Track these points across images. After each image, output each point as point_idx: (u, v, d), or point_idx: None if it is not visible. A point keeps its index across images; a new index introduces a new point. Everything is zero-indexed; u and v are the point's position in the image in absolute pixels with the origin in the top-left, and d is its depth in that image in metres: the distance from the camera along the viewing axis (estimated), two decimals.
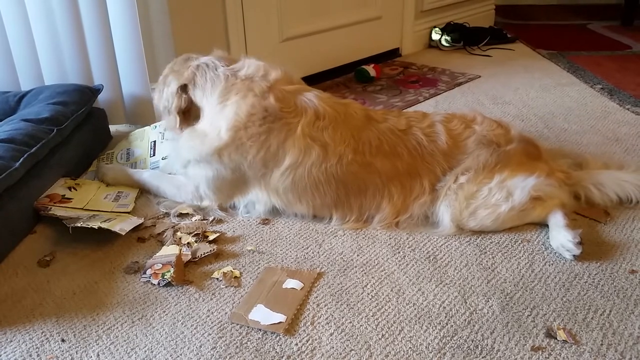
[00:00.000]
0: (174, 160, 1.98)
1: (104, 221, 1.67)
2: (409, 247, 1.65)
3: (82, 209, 1.80)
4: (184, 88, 1.82)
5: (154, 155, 2.14)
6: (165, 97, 1.87)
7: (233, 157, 1.73)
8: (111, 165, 2.09)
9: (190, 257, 1.58)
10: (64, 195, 1.85)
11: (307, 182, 1.71)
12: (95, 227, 1.61)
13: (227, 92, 1.76)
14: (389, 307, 1.40)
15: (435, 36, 4.08)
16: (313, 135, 1.70)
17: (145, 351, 1.27)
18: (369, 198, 1.74)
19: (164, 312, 1.39)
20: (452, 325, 1.33)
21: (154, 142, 2.18)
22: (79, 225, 1.62)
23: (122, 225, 1.66)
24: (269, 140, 1.70)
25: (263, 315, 1.36)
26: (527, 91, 3.09)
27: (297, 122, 1.71)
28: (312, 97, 1.77)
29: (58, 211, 1.74)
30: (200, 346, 1.28)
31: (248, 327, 1.33)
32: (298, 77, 1.92)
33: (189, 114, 1.85)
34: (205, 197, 1.84)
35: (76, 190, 1.90)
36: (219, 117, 1.75)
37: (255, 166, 1.74)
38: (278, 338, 1.30)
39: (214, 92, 1.78)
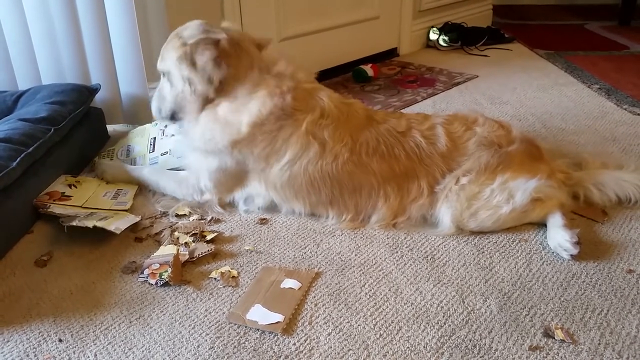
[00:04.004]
0: (184, 146, 1.91)
1: (100, 219, 1.66)
2: (407, 247, 1.65)
3: (80, 206, 1.80)
4: (220, 59, 1.70)
5: (153, 151, 2.13)
6: (202, 64, 1.70)
7: (243, 151, 1.75)
8: (110, 162, 2.09)
9: (187, 256, 1.58)
10: (64, 192, 1.85)
11: (303, 179, 1.73)
12: (90, 226, 1.61)
13: (258, 83, 1.74)
14: (387, 307, 1.40)
15: (433, 36, 4.08)
16: (315, 133, 1.72)
17: (143, 351, 1.26)
18: (364, 198, 1.75)
19: (162, 312, 1.39)
20: (450, 325, 1.33)
21: (154, 138, 2.18)
22: (74, 224, 1.62)
23: (118, 224, 1.65)
24: (278, 137, 1.73)
25: (261, 315, 1.36)
26: (525, 91, 3.09)
27: (303, 118, 1.73)
28: (324, 96, 1.80)
29: (57, 209, 1.73)
30: (198, 346, 1.28)
31: (246, 327, 1.33)
32: (313, 76, 1.92)
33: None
34: (205, 191, 1.85)
35: (76, 187, 1.90)
36: (243, 108, 1.73)
37: (258, 160, 1.75)
38: (276, 338, 1.30)
39: (246, 79, 1.74)
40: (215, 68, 1.69)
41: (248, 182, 1.81)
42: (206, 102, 1.76)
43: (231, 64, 1.72)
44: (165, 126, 2.20)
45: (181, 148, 1.96)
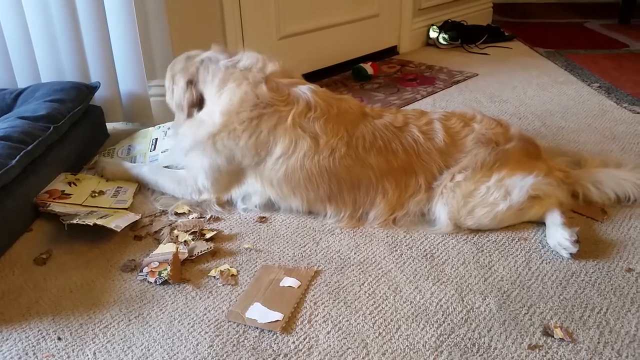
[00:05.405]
0: (176, 153, 2.02)
1: (100, 217, 1.66)
2: (406, 245, 1.65)
3: (80, 204, 1.80)
4: (190, 83, 1.86)
5: (154, 149, 2.15)
6: (177, 95, 1.91)
7: (226, 143, 1.76)
8: (110, 160, 2.09)
9: (187, 255, 1.58)
10: (64, 190, 1.85)
11: (300, 175, 1.72)
12: (91, 224, 1.61)
13: (225, 81, 1.81)
14: (386, 305, 1.40)
15: (433, 34, 4.08)
16: (303, 126, 1.73)
17: (142, 349, 1.26)
18: (363, 193, 1.75)
19: (161, 310, 1.39)
20: (449, 324, 1.33)
21: (156, 139, 2.20)
22: (74, 222, 1.62)
23: (118, 222, 1.65)
24: (260, 126, 1.74)
25: (260, 313, 1.36)
26: (525, 89, 3.09)
27: (288, 110, 1.74)
28: (306, 89, 1.80)
29: (57, 207, 1.73)
30: (197, 344, 1.28)
31: (245, 325, 1.33)
32: (298, 72, 1.95)
33: (199, 107, 1.88)
34: (203, 190, 1.85)
35: (76, 185, 1.90)
36: (215, 104, 1.80)
37: (247, 153, 1.76)
38: (275, 336, 1.30)
39: (213, 82, 1.83)
40: (184, 94, 1.87)
41: (245, 179, 1.82)
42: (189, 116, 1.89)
43: (199, 79, 1.86)
44: (168, 129, 2.21)
45: (176, 153, 2.03)
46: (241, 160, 1.78)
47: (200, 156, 1.82)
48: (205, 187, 1.84)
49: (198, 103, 1.86)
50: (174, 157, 2.07)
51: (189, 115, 1.87)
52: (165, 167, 2.05)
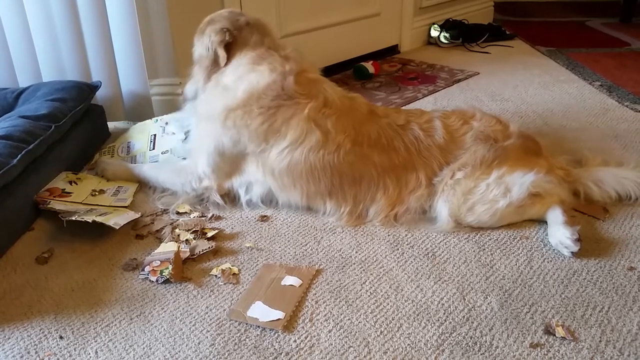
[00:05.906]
0: (189, 115, 2.01)
1: (100, 215, 1.66)
2: (407, 244, 1.65)
3: (80, 203, 1.80)
4: (229, 30, 1.84)
5: (153, 148, 2.14)
6: (207, 33, 1.86)
7: (237, 123, 1.76)
8: (111, 160, 2.09)
9: (188, 254, 1.58)
10: (64, 189, 1.85)
11: (303, 167, 1.73)
12: (90, 220, 1.61)
13: (262, 59, 1.81)
14: (388, 304, 1.40)
15: (434, 33, 4.07)
16: (317, 120, 1.74)
17: (144, 348, 1.27)
18: (364, 188, 1.75)
19: (163, 309, 1.39)
20: (450, 322, 1.33)
21: (154, 135, 2.18)
22: (73, 218, 1.62)
23: (117, 220, 1.65)
24: (276, 115, 1.74)
25: (261, 312, 1.36)
26: (526, 88, 3.08)
27: (306, 103, 1.75)
28: (327, 87, 1.83)
29: (57, 205, 1.74)
30: (199, 343, 1.28)
31: (246, 324, 1.33)
32: (317, 70, 1.96)
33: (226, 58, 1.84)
34: (204, 177, 1.85)
35: (77, 184, 1.90)
36: (244, 78, 1.79)
37: (255, 139, 1.76)
38: (276, 335, 1.30)
39: (252, 52, 1.82)
40: (217, 36, 1.82)
41: (246, 166, 1.81)
42: (211, 71, 1.85)
43: (239, 35, 1.84)
44: (166, 123, 2.20)
45: (189, 115, 2.03)
46: (247, 145, 1.77)
47: (209, 130, 1.81)
48: (206, 173, 1.84)
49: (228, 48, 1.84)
50: (185, 120, 2.08)
51: (209, 73, 1.85)
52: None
